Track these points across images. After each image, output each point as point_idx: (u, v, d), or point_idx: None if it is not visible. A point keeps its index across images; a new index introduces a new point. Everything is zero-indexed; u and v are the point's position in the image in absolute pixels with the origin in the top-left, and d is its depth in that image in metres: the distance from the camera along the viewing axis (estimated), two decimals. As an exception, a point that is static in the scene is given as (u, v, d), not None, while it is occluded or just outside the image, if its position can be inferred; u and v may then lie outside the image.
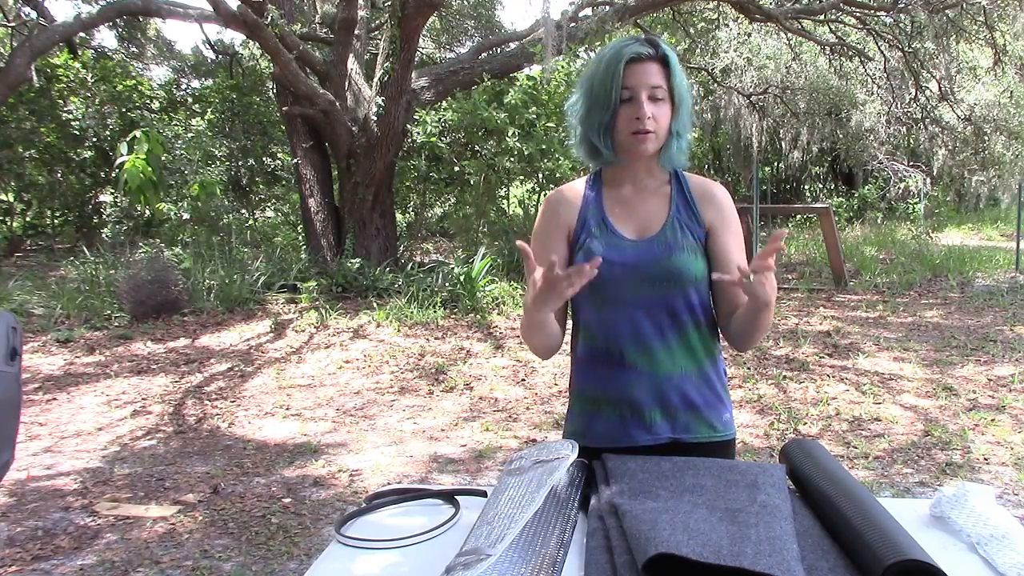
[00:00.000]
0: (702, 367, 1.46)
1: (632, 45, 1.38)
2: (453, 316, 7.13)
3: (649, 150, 1.40)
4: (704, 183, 1.50)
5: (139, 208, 10.47)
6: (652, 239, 1.43)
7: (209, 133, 11.60)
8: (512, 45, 9.99)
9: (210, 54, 14.03)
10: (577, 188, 1.52)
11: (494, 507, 1.11)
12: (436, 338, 6.39)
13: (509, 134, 9.08)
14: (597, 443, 1.40)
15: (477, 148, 9.62)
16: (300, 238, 10.23)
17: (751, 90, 11.96)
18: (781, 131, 14.01)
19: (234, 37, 13.14)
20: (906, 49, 9.76)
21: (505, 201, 11.23)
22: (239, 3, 7.30)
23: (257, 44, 9.11)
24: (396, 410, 4.71)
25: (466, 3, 15.19)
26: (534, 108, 9.37)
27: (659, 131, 1.39)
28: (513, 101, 9.23)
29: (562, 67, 9.59)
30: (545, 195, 10.76)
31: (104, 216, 11.78)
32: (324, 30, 10.10)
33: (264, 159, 12.35)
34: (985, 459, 3.71)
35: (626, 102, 1.38)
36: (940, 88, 10.46)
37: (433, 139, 9.07)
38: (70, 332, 6.40)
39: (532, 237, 1.53)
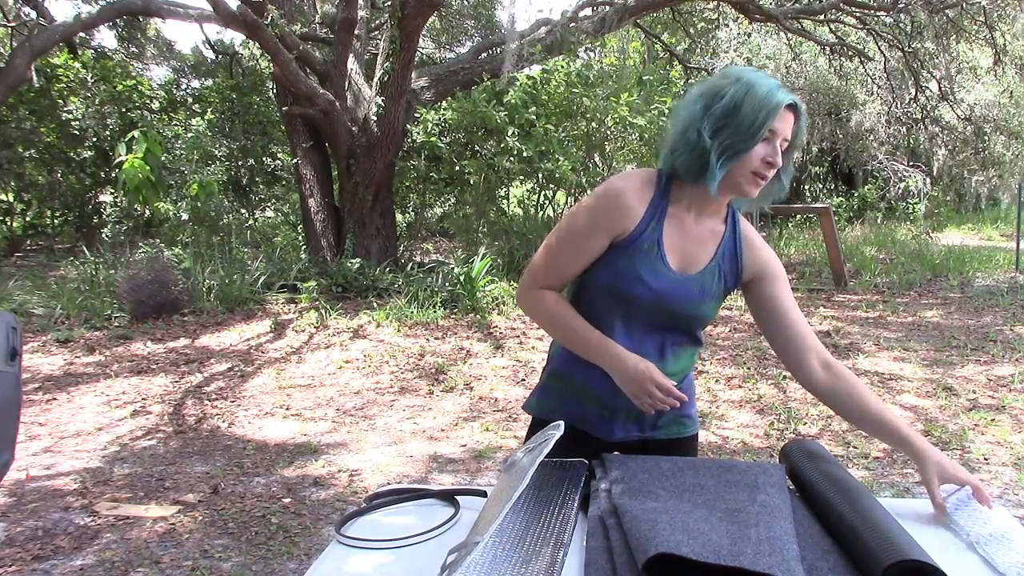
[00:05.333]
0: (682, 377, 1.56)
1: (786, 92, 1.37)
2: (453, 316, 7.13)
3: (753, 194, 1.42)
4: (756, 236, 1.53)
5: (138, 208, 10.48)
6: (691, 278, 1.46)
7: (209, 133, 11.58)
8: (512, 45, 9.98)
9: (210, 54, 14.02)
10: (647, 192, 1.45)
11: (489, 502, 1.11)
12: (436, 338, 6.39)
13: (509, 134, 9.08)
14: (569, 421, 1.38)
15: (477, 148, 9.61)
16: (300, 238, 10.22)
17: (751, 90, 11.92)
18: (781, 131, 13.98)
19: (234, 37, 13.14)
20: (906, 49, 9.76)
21: (505, 201, 11.20)
22: (239, 3, 7.30)
23: (257, 44, 9.11)
24: (396, 410, 4.71)
25: (466, 3, 15.18)
26: (534, 108, 9.37)
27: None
28: (513, 101, 9.22)
29: (562, 67, 9.58)
30: (545, 195, 10.73)
31: (104, 216, 11.78)
32: (324, 30, 10.10)
33: (264, 159, 12.35)
34: (985, 459, 3.71)
35: (765, 142, 1.37)
36: (940, 88, 10.47)
37: (433, 139, 9.05)
38: (70, 332, 6.40)
39: (571, 222, 1.46)
